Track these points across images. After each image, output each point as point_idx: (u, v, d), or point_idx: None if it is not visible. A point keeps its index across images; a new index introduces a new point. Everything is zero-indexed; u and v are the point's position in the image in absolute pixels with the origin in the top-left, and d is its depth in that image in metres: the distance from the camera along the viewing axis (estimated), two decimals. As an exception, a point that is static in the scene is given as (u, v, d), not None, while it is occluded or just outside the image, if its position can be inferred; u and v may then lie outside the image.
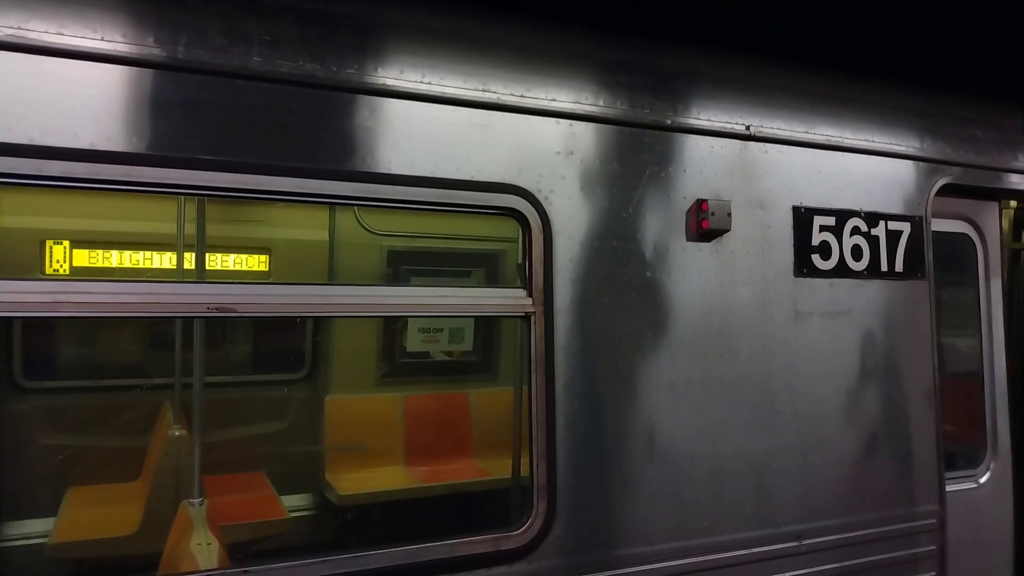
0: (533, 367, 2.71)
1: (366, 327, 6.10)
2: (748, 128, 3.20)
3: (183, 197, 4.67)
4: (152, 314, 2.29)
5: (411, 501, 5.48)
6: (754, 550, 3.05)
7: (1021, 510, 4.01)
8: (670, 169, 3.03)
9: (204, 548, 3.18)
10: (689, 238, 3.04)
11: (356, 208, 5.56)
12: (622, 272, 2.90)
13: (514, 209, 2.72)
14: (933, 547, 3.47)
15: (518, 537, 2.63)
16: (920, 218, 3.55)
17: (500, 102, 2.73)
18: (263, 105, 2.38)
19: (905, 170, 3.56)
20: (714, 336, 3.06)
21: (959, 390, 4.14)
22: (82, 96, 2.17)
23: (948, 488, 3.72)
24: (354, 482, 5.58)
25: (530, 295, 2.73)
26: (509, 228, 5.37)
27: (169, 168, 2.25)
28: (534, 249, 2.74)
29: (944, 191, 3.66)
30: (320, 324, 5.96)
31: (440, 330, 6.43)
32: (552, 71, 2.85)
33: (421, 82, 2.61)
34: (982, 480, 3.92)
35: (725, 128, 3.15)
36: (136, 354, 5.54)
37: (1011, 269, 4.36)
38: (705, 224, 3.02)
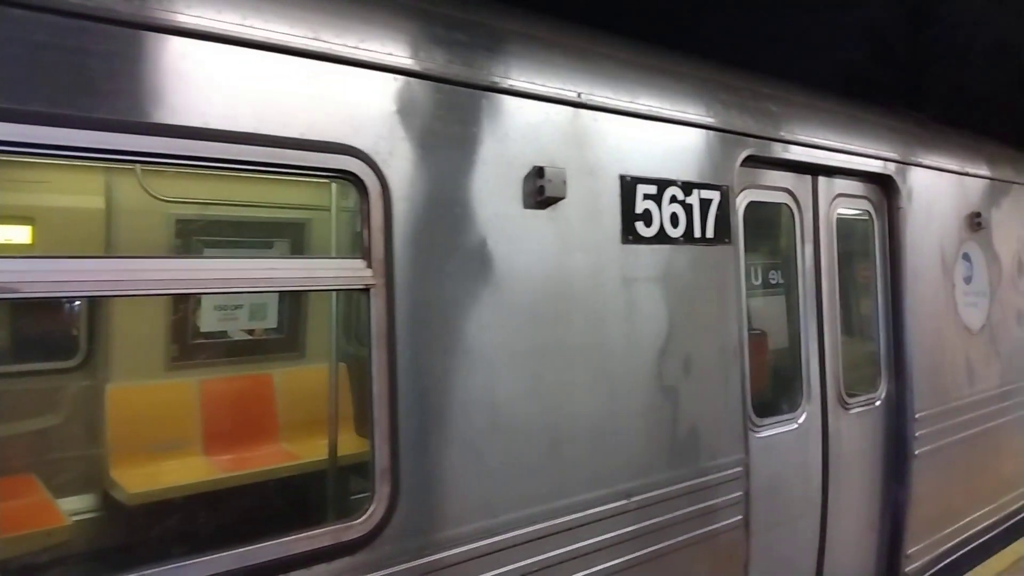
0: (374, 343, 2.52)
1: (152, 306, 5.46)
2: (579, 95, 3.19)
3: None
4: None
5: (213, 493, 5.02)
6: (588, 512, 3.10)
7: (826, 442, 4.48)
8: (508, 134, 2.94)
9: None
10: (527, 205, 2.99)
11: (139, 172, 4.92)
12: (463, 240, 2.79)
13: (349, 172, 2.49)
14: (740, 493, 3.75)
15: (360, 526, 2.45)
16: (728, 187, 3.77)
17: (332, 52, 2.48)
18: (51, 43, 1.96)
19: (715, 141, 3.76)
20: (552, 303, 3.04)
21: (785, 343, 4.53)
22: None
23: (773, 431, 4.08)
24: (144, 478, 5.00)
25: (369, 266, 2.52)
26: (320, 195, 5.07)
27: None
28: (373, 216, 2.54)
29: (749, 162, 3.92)
30: (97, 304, 5.24)
31: (239, 307, 5.93)
32: (389, 21, 2.64)
33: (242, 25, 2.29)
34: (800, 421, 4.32)
35: (559, 94, 3.12)
36: None
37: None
38: (543, 191, 2.98)
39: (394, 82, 2.62)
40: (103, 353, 5.29)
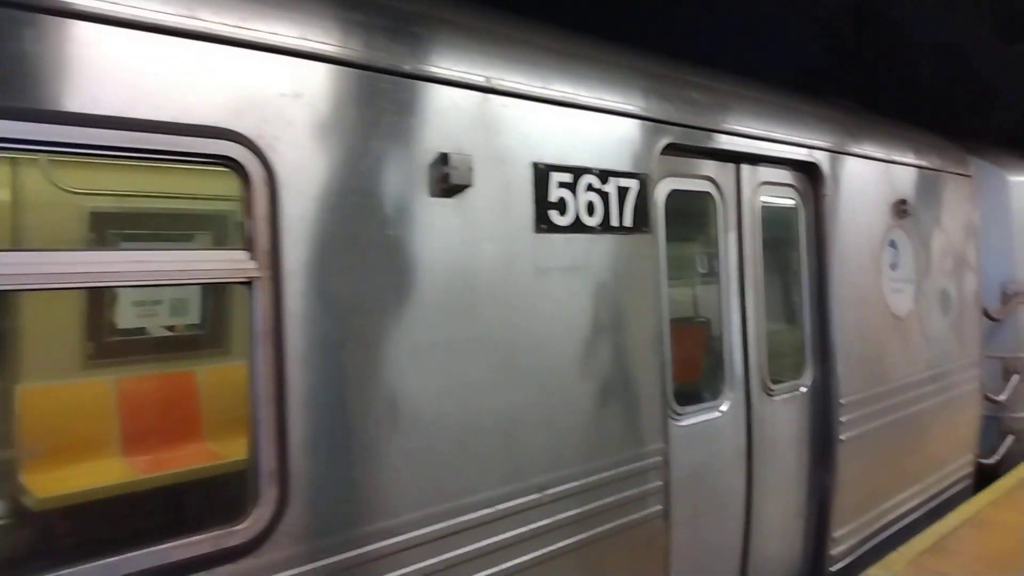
0: (257, 339, 2.39)
1: (66, 301, 5.22)
2: (488, 80, 3.10)
3: None
4: None
5: (132, 496, 4.82)
6: (499, 507, 3.03)
7: (750, 429, 4.48)
8: (410, 119, 2.84)
9: None
10: (431, 193, 2.88)
11: (45, 162, 4.67)
12: (362, 230, 2.68)
13: (230, 158, 2.36)
14: (660, 482, 3.72)
15: (244, 531, 2.33)
16: (647, 175, 3.72)
17: (210, 32, 2.34)
18: None
19: (633, 129, 3.70)
20: (459, 295, 2.96)
21: (704, 332, 4.52)
22: None
23: (695, 419, 4.07)
24: (57, 482, 4.78)
25: (253, 257, 2.40)
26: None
27: None
28: (256, 205, 2.41)
29: (668, 150, 3.88)
30: (4, 300, 4.98)
31: (158, 302, 5.72)
32: (274, 1, 2.51)
33: (110, 2, 2.14)
34: (723, 409, 4.31)
35: (465, 79, 3.02)
36: None
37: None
38: (448, 179, 2.88)
39: (281, 64, 2.49)
40: (9, 352, 5.04)
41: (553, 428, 3.27)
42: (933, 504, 6.24)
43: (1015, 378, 8.13)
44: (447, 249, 2.92)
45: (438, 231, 2.89)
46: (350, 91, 2.67)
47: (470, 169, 2.95)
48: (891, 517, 5.65)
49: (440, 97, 2.94)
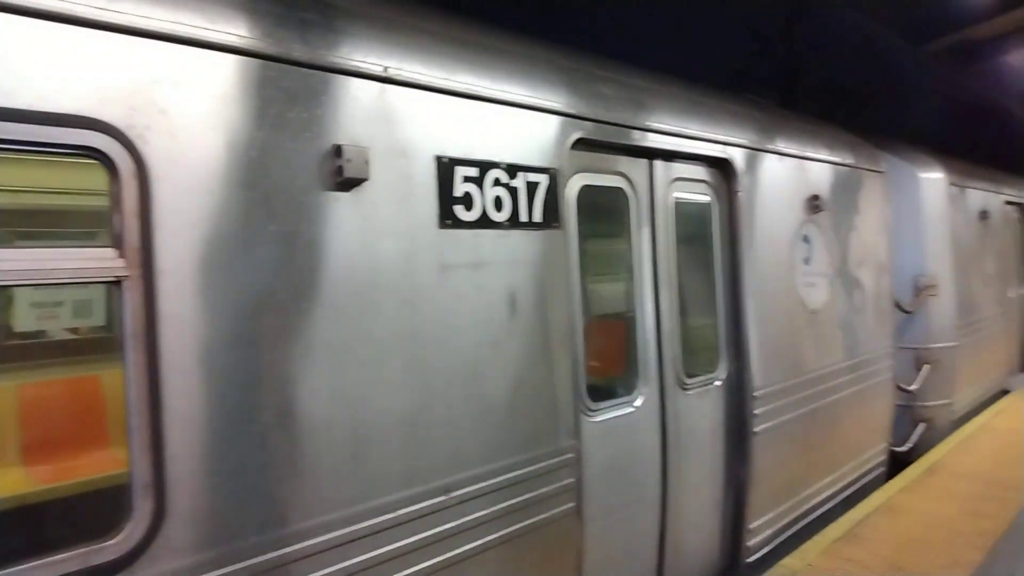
0: (128, 343, 2.25)
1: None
2: (386, 70, 3.00)
3: None
4: None
5: (30, 507, 4.56)
6: (401, 512, 2.94)
7: (664, 424, 4.49)
8: (301, 110, 2.72)
9: None
10: (325, 187, 2.77)
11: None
12: (247, 225, 2.54)
13: (94, 149, 2.21)
14: (572, 480, 3.69)
15: (114, 547, 2.19)
16: (556, 170, 3.68)
17: (72, 13, 2.18)
18: None
19: (542, 123, 3.65)
20: (357, 293, 2.85)
21: (618, 327, 4.50)
22: None
23: (608, 415, 4.05)
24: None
25: (122, 255, 2.25)
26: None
27: None
28: (125, 199, 2.26)
29: (579, 145, 3.84)
30: None
31: (60, 304, 5.44)
32: (142, -20, 2.36)
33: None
34: (637, 404, 4.30)
35: (361, 68, 2.91)
36: None
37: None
38: (342, 172, 2.77)
39: (154, 49, 2.34)
40: None
41: (459, 428, 3.19)
42: (848, 492, 6.40)
43: (926, 368, 8.44)
44: (343, 245, 2.81)
45: (333, 226, 2.78)
46: (233, 79, 2.54)
47: (366, 162, 2.84)
48: (807, 507, 5.77)
49: (333, 87, 2.82)
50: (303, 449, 2.65)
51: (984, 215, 9.98)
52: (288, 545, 2.58)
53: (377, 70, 2.96)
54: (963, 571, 5.08)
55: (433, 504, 3.07)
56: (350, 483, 2.78)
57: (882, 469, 7.13)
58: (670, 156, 4.61)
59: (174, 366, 2.34)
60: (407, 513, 2.96)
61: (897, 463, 7.57)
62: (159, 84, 2.35)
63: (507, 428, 3.39)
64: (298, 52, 2.71)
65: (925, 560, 5.27)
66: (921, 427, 8.41)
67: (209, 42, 2.47)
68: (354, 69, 2.88)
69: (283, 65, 2.67)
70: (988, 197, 10.26)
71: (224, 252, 2.48)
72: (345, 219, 2.83)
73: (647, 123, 4.33)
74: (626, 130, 4.18)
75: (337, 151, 2.77)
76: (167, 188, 2.34)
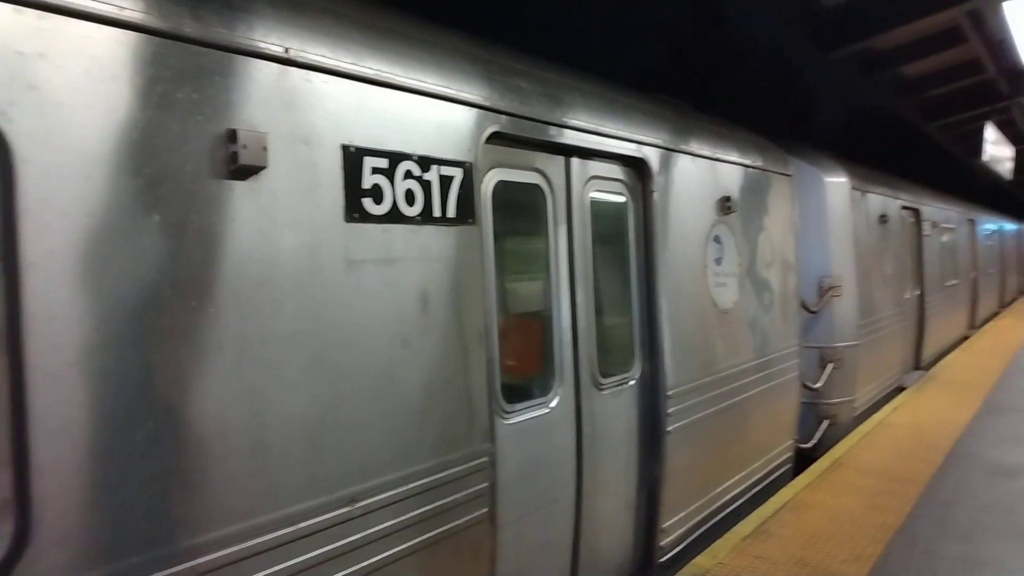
0: None
1: None
2: (287, 51, 2.80)
3: None
4: None
5: None
6: (303, 524, 2.75)
7: (580, 424, 4.42)
8: (190, 90, 2.49)
9: None
10: (218, 175, 2.55)
11: None
12: (129, 214, 2.31)
13: None
14: (485, 484, 3.57)
15: (-38, 576, 1.93)
16: (471, 164, 3.55)
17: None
18: None
19: (456, 115, 3.52)
20: (254, 289, 2.64)
21: (533, 327, 4.41)
22: None
23: (524, 417, 3.96)
24: None
25: None
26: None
27: None
28: None
29: (495, 139, 3.73)
30: None
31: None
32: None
33: None
34: (552, 404, 4.21)
35: (259, 48, 2.70)
36: None
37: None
38: (237, 158, 2.56)
39: (17, 16, 2.08)
40: None
41: (367, 433, 3.02)
42: (758, 489, 6.53)
43: (830, 366, 8.75)
44: (239, 238, 2.60)
45: (227, 217, 2.57)
46: (114, 54, 2.30)
47: (264, 149, 2.64)
48: (717, 504, 5.84)
49: (229, 66, 2.61)
50: (194, 459, 2.44)
51: (883, 219, 10.43)
52: (178, 564, 2.36)
53: (277, 51, 2.76)
54: (864, 564, 5.24)
55: (338, 515, 2.89)
56: (247, 494, 2.58)
57: (789, 465, 7.32)
58: (586, 154, 4.55)
59: (42, 369, 2.09)
60: (310, 525, 2.78)
61: (803, 459, 7.79)
62: (25, 56, 2.09)
63: (418, 432, 3.25)
64: (189, 28, 2.49)
65: (830, 555, 5.41)
66: (825, 424, 8.70)
67: (86, 11, 2.23)
68: (252, 49, 2.67)
69: (172, 41, 2.44)
70: (887, 202, 10.74)
71: (102, 243, 2.24)
72: (241, 209, 2.62)
73: (564, 119, 4.26)
74: (543, 126, 4.09)
75: (232, 136, 2.56)
76: (35, 171, 2.09)
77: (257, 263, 2.66)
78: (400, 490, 3.15)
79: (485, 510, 3.56)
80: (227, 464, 2.53)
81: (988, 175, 21.17)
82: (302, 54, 2.84)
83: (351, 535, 2.94)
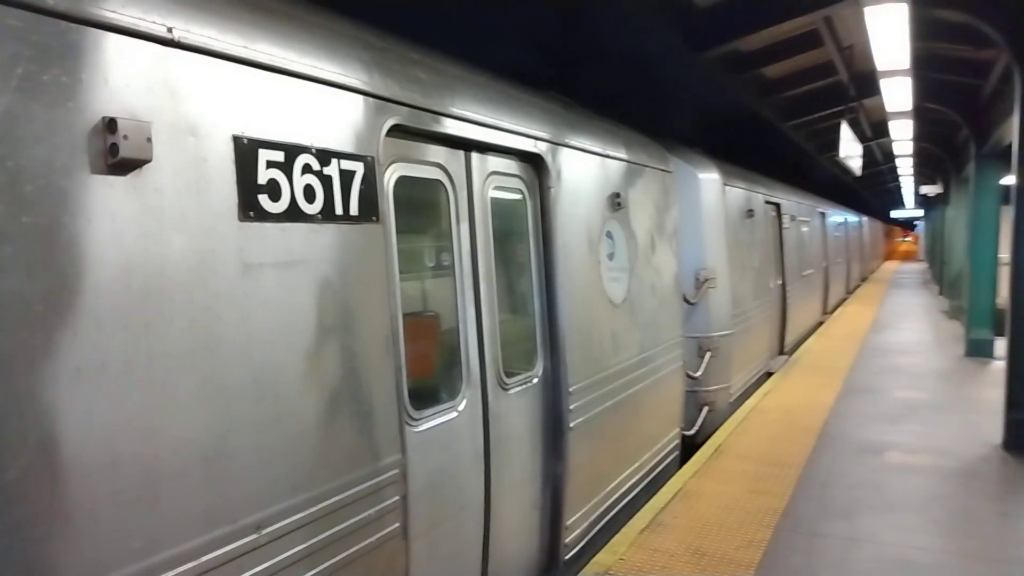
0: None
1: None
2: (171, 31, 2.49)
3: None
4: None
5: None
6: (204, 558, 2.47)
7: (487, 426, 4.29)
8: (59, 72, 2.15)
9: None
10: (95, 169, 2.22)
11: None
12: (-14, 216, 1.96)
13: None
14: (397, 497, 3.38)
15: None
16: (373, 159, 3.34)
17: None
18: None
19: (356, 106, 3.29)
20: (137, 299, 2.33)
21: (440, 327, 4.22)
22: None
23: (433, 422, 3.79)
24: None
25: None
26: None
27: None
28: None
29: (395, 132, 3.53)
30: None
31: None
32: None
33: None
34: (460, 408, 4.04)
35: (140, 27, 2.38)
36: None
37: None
38: (117, 151, 2.24)
39: None
40: None
41: (271, 454, 2.76)
42: (651, 478, 6.66)
43: (708, 355, 9.09)
44: (120, 241, 2.28)
45: (105, 217, 2.24)
46: (-39, 25, 1.94)
47: (148, 140, 2.33)
48: (615, 496, 5.90)
49: (104, 46, 2.28)
50: (72, 498, 2.11)
51: (750, 213, 10.97)
52: (55, 621, 2.04)
53: (160, 30, 2.45)
54: (756, 550, 5.44)
55: (244, 544, 2.61)
56: (138, 533, 2.27)
57: (677, 453, 7.53)
58: (485, 149, 4.43)
59: None
60: (214, 558, 2.50)
61: (687, 446, 8.05)
62: None
63: (326, 448, 3.01)
64: (55, 0, 2.15)
65: (724, 543, 5.57)
66: (705, 410, 9.04)
67: None
68: (131, 27, 2.35)
69: (33, 15, 2.10)
70: (753, 196, 11.30)
71: None
72: (121, 209, 2.30)
73: (464, 113, 4.11)
74: (443, 118, 3.93)
75: (111, 125, 2.24)
76: None
77: (142, 271, 2.35)
78: (311, 511, 2.91)
79: (398, 524, 3.38)
80: (114, 501, 2.21)
81: (831, 171, 22.89)
82: (187, 35, 2.54)
83: (260, 564, 2.67)
